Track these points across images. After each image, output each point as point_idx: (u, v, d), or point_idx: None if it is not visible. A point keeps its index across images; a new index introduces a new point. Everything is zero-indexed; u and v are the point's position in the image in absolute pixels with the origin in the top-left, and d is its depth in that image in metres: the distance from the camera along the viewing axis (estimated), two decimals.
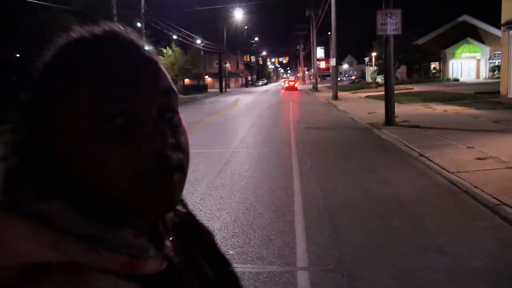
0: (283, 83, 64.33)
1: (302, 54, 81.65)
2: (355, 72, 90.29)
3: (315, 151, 8.73)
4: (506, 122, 10.57)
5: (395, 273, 3.32)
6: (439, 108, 15.38)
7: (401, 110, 16.13)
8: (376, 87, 37.17)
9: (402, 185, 5.94)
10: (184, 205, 0.64)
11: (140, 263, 0.48)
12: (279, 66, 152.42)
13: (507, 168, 6.13)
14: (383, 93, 28.57)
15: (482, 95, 19.65)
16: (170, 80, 0.53)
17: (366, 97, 26.77)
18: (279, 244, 3.94)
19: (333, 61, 28.40)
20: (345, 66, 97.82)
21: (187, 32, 40.28)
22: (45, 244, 0.44)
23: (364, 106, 18.20)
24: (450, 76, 42.09)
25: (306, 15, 43.76)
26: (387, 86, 11.96)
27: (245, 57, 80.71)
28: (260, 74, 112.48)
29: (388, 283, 3.19)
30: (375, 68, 45.33)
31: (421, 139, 9.13)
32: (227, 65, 70.37)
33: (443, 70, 43.24)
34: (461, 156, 7.16)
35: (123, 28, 0.53)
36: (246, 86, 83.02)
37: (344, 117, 15.57)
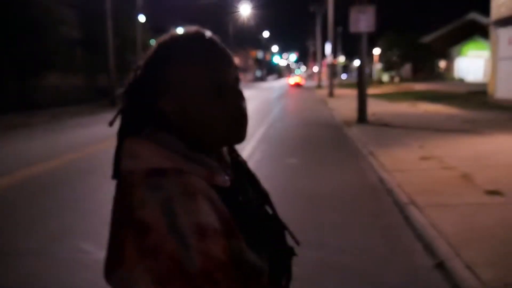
0: (289, 80, 64.05)
1: (312, 50, 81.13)
2: (367, 69, 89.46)
3: (274, 146, 8.76)
4: (478, 123, 10.43)
5: None
6: (423, 108, 15.23)
7: (385, 108, 16.07)
8: (377, 85, 36.84)
9: (332, 180, 5.96)
10: (236, 153, 0.91)
11: (215, 175, 0.73)
12: (291, 62, 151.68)
13: (441, 168, 6.09)
14: (381, 91, 28.48)
15: (474, 95, 19.36)
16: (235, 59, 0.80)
17: None
18: None
19: (329, 59, 28.21)
20: (356, 63, 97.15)
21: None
22: (162, 156, 0.70)
23: (353, 104, 18.06)
24: (457, 74, 41.41)
25: (311, 11, 43.34)
26: (360, 85, 11.87)
27: (252, 52, 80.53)
28: (271, 69, 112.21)
29: None
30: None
31: (382, 137, 9.08)
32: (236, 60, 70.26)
33: (449, 69, 42.55)
34: (407, 155, 7.12)
35: (206, 30, 0.79)
36: (255, 81, 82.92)
37: (327, 114, 15.53)
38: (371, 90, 30.40)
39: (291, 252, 0.87)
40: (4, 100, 18.85)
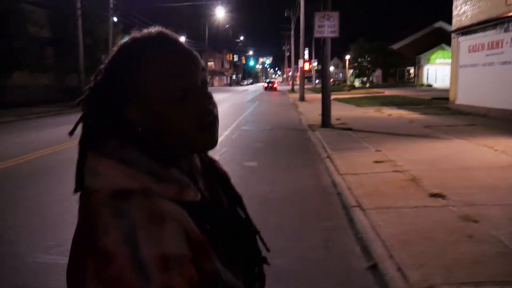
0: (264, 84, 64.69)
1: (287, 55, 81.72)
2: (341, 74, 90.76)
3: (236, 149, 8.76)
4: (436, 128, 10.72)
5: None
6: (387, 112, 15.55)
7: (351, 113, 16.33)
8: (349, 90, 37.42)
9: (287, 183, 6.00)
10: (206, 154, 0.87)
11: (185, 191, 0.69)
12: (267, 66, 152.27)
13: (393, 171, 6.22)
14: (351, 96, 28.84)
15: (438, 101, 19.92)
16: (202, 61, 0.75)
17: (333, 99, 26.88)
18: None
19: (300, 63, 28.48)
20: (331, 68, 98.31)
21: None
22: (127, 176, 0.66)
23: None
24: (425, 81, 42.52)
25: (285, 15, 43.70)
26: (324, 89, 12.02)
27: (228, 56, 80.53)
28: (247, 73, 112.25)
29: None
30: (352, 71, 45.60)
31: (342, 141, 9.22)
32: (211, 63, 70.13)
33: (418, 75, 43.67)
34: (363, 159, 7.24)
35: (170, 32, 0.75)
36: (230, 85, 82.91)
37: (295, 118, 15.65)
38: (341, 95, 31.03)
39: (263, 260, 0.85)
40: None
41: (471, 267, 3.12)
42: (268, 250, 0.90)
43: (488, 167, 6.27)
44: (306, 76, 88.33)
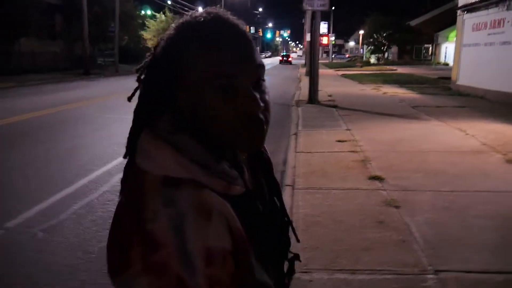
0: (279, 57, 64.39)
1: (306, 28, 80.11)
2: (362, 50, 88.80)
3: None
4: (422, 108, 10.41)
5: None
6: (384, 90, 15.17)
7: (347, 89, 16.02)
8: (361, 66, 36.61)
9: None
10: None
11: (232, 187, 0.68)
12: (288, 38, 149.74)
13: (349, 152, 6.08)
14: (360, 72, 28.29)
15: (444, 80, 19.29)
16: (260, 56, 0.70)
17: (341, 75, 26.44)
18: None
19: (308, 36, 27.80)
20: (351, 43, 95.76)
21: (182, 1, 39.77)
22: (180, 165, 0.65)
23: (324, 84, 17.97)
24: (442, 60, 41.21)
25: None
26: (311, 65, 11.76)
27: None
28: (265, 46, 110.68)
29: None
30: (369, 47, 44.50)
31: (319, 118, 9.07)
32: None
33: (435, 53, 42.31)
34: (327, 137, 7.12)
35: (228, 16, 0.70)
36: None
37: (290, 93, 15.47)
38: (351, 71, 30.36)
39: (296, 257, 0.86)
40: None
41: (358, 254, 3.05)
42: (298, 240, 0.90)
43: (448, 151, 6.07)
44: (327, 51, 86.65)
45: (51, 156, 5.99)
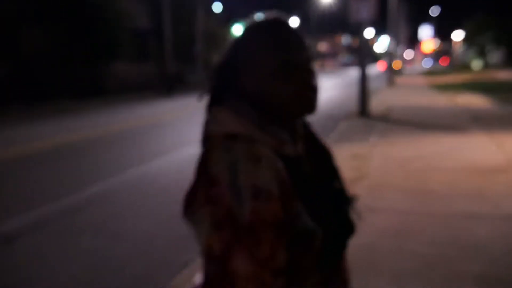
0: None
1: (404, 34, 76.17)
2: (463, 53, 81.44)
3: None
4: (484, 121, 9.39)
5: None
6: (459, 101, 13.89)
7: (416, 100, 15.13)
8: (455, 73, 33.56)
9: None
10: (310, 130, 1.01)
11: (283, 144, 0.85)
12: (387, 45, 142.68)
13: (351, 169, 5.83)
14: (450, 80, 25.66)
15: None
16: (307, 42, 0.92)
17: (427, 85, 24.46)
18: None
19: (381, 41, 26.64)
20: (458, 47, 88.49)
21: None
22: (238, 123, 0.84)
23: (401, 96, 17.02)
24: None
25: None
26: (362, 78, 11.32)
27: (337, 38, 78.23)
28: (367, 55, 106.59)
29: None
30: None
31: (355, 133, 8.76)
32: (322, 45, 69.05)
33: None
34: (346, 153, 6.80)
35: (281, 16, 0.91)
36: (343, 67, 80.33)
37: (352, 106, 15.01)
38: (441, 78, 28.04)
39: (351, 229, 0.91)
40: (76, 86, 21.13)
41: None
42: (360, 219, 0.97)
43: (461, 169, 5.47)
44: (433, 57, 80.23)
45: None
